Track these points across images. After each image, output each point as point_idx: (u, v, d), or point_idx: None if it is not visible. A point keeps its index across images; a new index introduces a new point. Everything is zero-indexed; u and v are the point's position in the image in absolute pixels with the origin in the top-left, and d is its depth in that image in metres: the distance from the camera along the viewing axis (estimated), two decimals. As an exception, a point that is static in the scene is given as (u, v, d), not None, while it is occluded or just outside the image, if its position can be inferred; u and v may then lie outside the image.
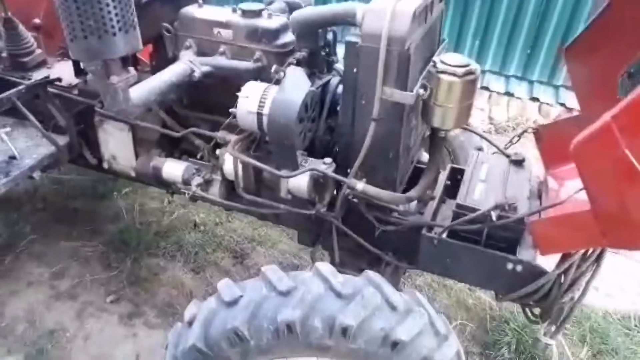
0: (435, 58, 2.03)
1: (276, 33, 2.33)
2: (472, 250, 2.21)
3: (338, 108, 2.35)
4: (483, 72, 5.20)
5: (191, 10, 2.44)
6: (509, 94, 5.19)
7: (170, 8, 2.48)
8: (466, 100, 2.03)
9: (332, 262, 2.50)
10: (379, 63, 1.93)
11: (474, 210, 2.18)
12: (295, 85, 2.11)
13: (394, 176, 2.21)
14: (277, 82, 2.16)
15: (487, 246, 2.21)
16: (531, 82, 5.28)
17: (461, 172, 2.50)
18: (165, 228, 3.77)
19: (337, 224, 2.36)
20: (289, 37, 2.37)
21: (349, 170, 2.24)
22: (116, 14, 1.70)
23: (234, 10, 2.41)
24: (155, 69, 2.63)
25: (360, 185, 2.14)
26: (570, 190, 2.44)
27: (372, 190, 2.14)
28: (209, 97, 2.50)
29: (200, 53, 2.44)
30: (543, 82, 5.24)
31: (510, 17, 5.04)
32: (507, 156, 2.55)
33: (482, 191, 2.30)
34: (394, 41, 1.91)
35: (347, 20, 2.06)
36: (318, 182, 2.28)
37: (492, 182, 2.38)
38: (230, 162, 2.36)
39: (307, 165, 2.27)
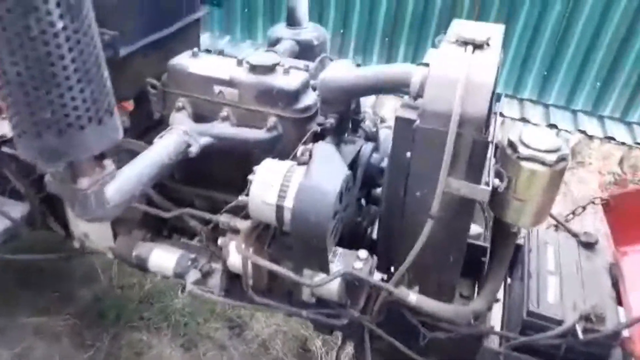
0: (511, 136, 1.56)
1: (296, 94, 1.82)
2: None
3: (377, 189, 1.87)
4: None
5: (183, 62, 1.92)
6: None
7: (156, 58, 1.96)
8: (553, 193, 1.57)
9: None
10: (445, 150, 1.44)
11: (550, 320, 1.73)
12: (328, 169, 1.61)
13: (452, 283, 1.74)
14: (302, 162, 1.65)
15: (563, 363, 1.75)
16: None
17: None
18: (148, 292, 3.23)
19: (373, 328, 1.88)
20: (310, 98, 1.87)
21: (392, 269, 1.76)
22: (84, 100, 1.18)
23: (240, 63, 1.89)
24: (136, 132, 2.11)
25: (414, 297, 1.66)
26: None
27: (430, 304, 1.66)
28: (208, 171, 1.99)
29: (197, 116, 1.93)
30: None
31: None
32: (575, 235, 2.10)
33: (555, 290, 1.84)
34: (468, 124, 1.43)
35: (398, 89, 1.57)
36: (352, 284, 1.79)
37: (566, 275, 1.92)
38: (236, 256, 1.84)
39: (337, 260, 1.78)
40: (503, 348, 1.78)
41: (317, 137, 1.87)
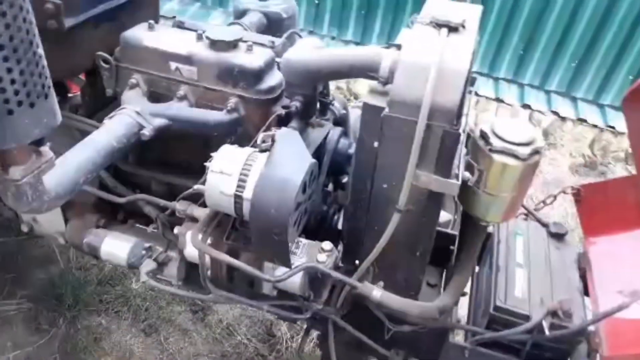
0: (484, 127, 1.47)
1: (259, 74, 1.70)
2: (514, 364, 1.71)
3: (344, 176, 1.78)
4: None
5: (138, 34, 1.76)
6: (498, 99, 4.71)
7: (108, 30, 1.80)
8: (526, 187, 1.50)
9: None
10: (413, 142, 1.35)
11: (517, 315, 1.69)
12: (291, 157, 1.50)
13: (419, 277, 1.67)
14: (263, 150, 1.54)
15: (530, 358, 1.72)
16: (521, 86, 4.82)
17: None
18: (108, 274, 3.10)
19: (337, 320, 1.81)
20: (275, 77, 1.75)
21: (357, 262, 1.68)
22: (12, 81, 1.04)
23: (200, 37, 1.75)
24: (88, 110, 1.96)
25: (378, 293, 1.58)
26: (625, 273, 1.98)
27: (395, 301, 1.59)
28: (164, 154, 1.86)
29: (152, 94, 1.79)
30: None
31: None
32: (544, 225, 2.05)
33: (523, 284, 1.80)
34: (439, 114, 1.33)
35: (367, 74, 1.45)
36: (315, 277, 1.70)
37: (534, 268, 1.87)
38: (193, 248, 1.73)
39: (299, 252, 1.70)
40: (469, 342, 1.73)
41: (282, 120, 1.75)
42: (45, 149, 1.25)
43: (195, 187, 1.57)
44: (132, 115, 1.62)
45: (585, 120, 4.61)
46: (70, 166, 1.39)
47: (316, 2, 5.00)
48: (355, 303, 1.78)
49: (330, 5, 4.97)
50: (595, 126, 4.64)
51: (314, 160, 1.54)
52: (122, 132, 1.58)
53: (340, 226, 1.95)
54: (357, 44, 5.05)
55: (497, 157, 1.42)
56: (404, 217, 1.47)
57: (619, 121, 4.57)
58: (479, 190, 1.48)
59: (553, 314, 1.65)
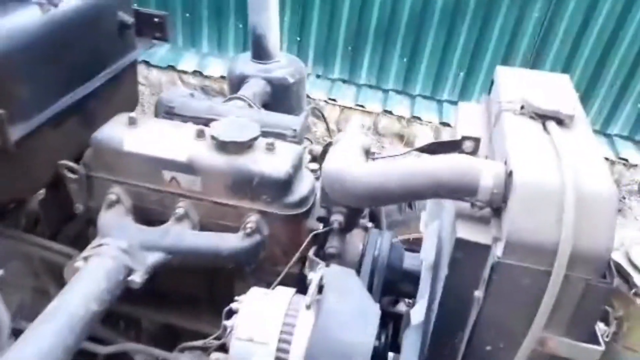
0: (616, 256, 1.05)
1: (287, 183, 1.25)
2: None
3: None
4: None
5: (115, 134, 1.29)
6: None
7: (73, 126, 1.33)
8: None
9: None
10: (543, 298, 0.92)
11: None
12: (351, 310, 1.06)
13: None
14: (310, 306, 1.08)
15: None
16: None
17: None
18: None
19: None
20: (306, 183, 1.31)
21: None
22: None
23: (201, 134, 1.29)
24: (50, 226, 1.47)
25: None
26: None
27: None
28: (159, 285, 1.38)
29: (139, 212, 1.32)
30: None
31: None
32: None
33: None
34: (582, 263, 0.91)
35: (459, 197, 1.02)
36: None
37: None
38: None
39: None
40: None
41: (317, 238, 1.31)
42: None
43: (213, 357, 1.10)
44: (117, 257, 1.15)
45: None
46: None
47: (298, 38, 4.59)
48: None
49: (313, 42, 4.56)
50: (606, 159, 4.34)
51: (378, 308, 1.10)
52: (104, 286, 1.10)
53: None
54: (344, 81, 4.65)
55: (645, 302, 1.00)
56: (514, 387, 1.04)
57: (629, 151, 4.29)
58: (616, 344, 1.06)
59: None
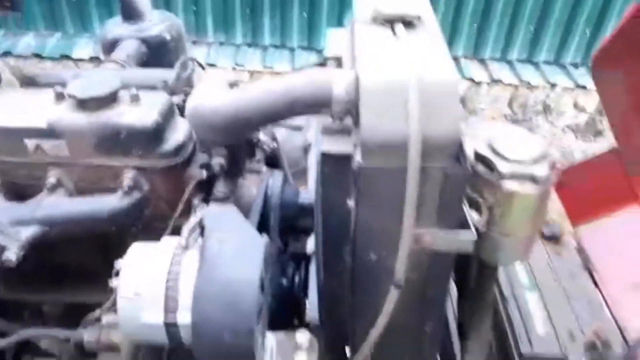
0: (479, 147, 1.09)
1: (157, 132, 1.21)
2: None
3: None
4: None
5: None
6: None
7: None
8: (543, 216, 1.15)
9: None
10: (406, 193, 0.94)
11: None
12: (234, 247, 1.05)
13: (434, 358, 1.27)
14: (190, 246, 1.07)
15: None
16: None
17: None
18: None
19: None
20: (181, 130, 1.27)
21: (347, 355, 1.27)
22: None
23: (60, 97, 1.23)
24: None
25: (389, 396, 1.18)
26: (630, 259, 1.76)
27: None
28: (50, 263, 1.33)
29: (10, 188, 1.25)
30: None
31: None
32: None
33: (542, 316, 1.47)
34: (436, 152, 0.93)
35: (317, 110, 1.02)
36: (298, 387, 1.27)
37: (545, 288, 1.56)
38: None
39: (269, 356, 1.25)
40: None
41: (203, 185, 1.29)
42: None
43: (104, 320, 1.08)
44: (-17, 235, 1.09)
45: (500, 81, 4.48)
46: None
47: (194, 8, 4.45)
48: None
49: (210, 9, 4.43)
50: (509, 84, 4.53)
51: (265, 239, 1.10)
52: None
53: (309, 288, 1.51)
54: (249, 45, 4.58)
55: (509, 185, 1.05)
56: (404, 289, 1.07)
57: (530, 74, 4.49)
58: (492, 233, 1.11)
59: (591, 346, 1.35)
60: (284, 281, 1.48)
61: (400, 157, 0.92)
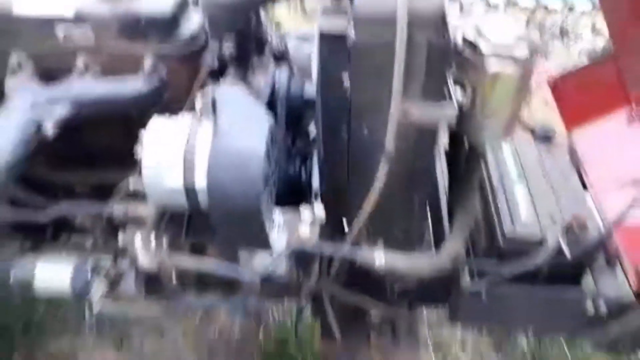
0: (469, 30, 1.18)
1: (173, 20, 1.33)
2: (534, 292, 1.55)
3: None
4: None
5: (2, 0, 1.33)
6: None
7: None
8: (525, 97, 1.25)
9: (327, 334, 1.74)
10: (394, 66, 1.05)
11: (531, 242, 1.50)
12: (243, 121, 1.19)
13: (422, 228, 1.42)
14: (205, 115, 1.21)
15: (547, 281, 1.56)
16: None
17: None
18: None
19: (335, 293, 1.57)
20: (194, 19, 1.38)
21: (345, 226, 1.42)
22: None
23: (84, -12, 1.34)
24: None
25: (381, 259, 1.33)
26: (618, 161, 1.86)
27: (402, 263, 1.34)
28: (80, 146, 1.48)
29: (43, 74, 1.38)
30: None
31: None
32: (530, 130, 1.85)
33: (527, 204, 1.60)
34: (420, 23, 1.03)
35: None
36: (302, 255, 1.44)
37: (532, 181, 1.68)
38: (148, 257, 1.41)
39: (276, 228, 1.41)
40: (484, 285, 1.53)
41: (216, 73, 1.41)
42: None
43: (131, 186, 1.23)
44: (25, 111, 1.23)
45: (516, 4, 4.43)
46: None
47: None
48: (351, 265, 1.54)
49: None
50: (525, 8, 4.48)
51: (271, 118, 1.23)
52: (17, 138, 1.19)
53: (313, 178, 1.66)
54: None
55: (491, 65, 1.15)
56: (394, 162, 1.20)
57: (548, -1, 4.43)
58: (473, 111, 1.22)
59: (568, 229, 1.48)
60: (291, 170, 1.62)
61: (389, 32, 1.03)
